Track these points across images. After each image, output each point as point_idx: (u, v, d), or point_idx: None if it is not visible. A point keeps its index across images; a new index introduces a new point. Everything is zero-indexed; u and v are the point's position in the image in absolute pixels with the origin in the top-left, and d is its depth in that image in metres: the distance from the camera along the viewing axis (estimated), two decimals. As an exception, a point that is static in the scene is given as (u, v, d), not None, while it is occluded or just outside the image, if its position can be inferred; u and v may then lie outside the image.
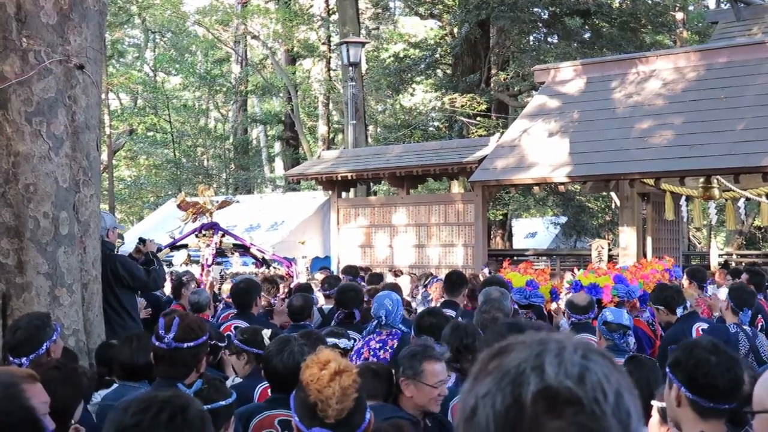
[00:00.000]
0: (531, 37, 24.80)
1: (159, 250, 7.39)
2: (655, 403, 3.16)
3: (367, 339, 5.58)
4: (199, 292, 7.70)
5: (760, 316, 7.27)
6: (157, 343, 3.76)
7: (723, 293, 8.12)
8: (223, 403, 3.43)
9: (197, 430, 2.21)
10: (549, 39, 24.77)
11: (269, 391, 4.51)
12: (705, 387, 2.89)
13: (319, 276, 11.10)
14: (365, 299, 7.20)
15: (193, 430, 2.19)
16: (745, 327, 6.02)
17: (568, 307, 6.65)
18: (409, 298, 9.57)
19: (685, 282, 8.99)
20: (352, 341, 5.49)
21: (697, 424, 2.90)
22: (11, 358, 4.20)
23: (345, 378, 2.56)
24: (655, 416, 3.12)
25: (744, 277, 8.60)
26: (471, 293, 7.77)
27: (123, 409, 2.24)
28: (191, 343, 3.75)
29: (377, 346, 5.48)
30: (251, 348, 4.79)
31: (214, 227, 12.07)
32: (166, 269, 9.32)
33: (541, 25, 23.82)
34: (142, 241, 7.05)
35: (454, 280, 7.51)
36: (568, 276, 10.44)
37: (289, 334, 5.25)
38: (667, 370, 3.03)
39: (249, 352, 4.81)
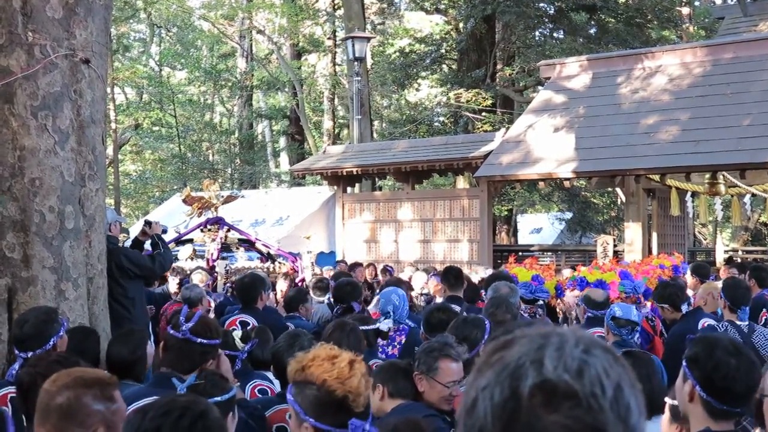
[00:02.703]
0: (537, 33, 24.78)
1: (164, 232, 7.39)
2: (668, 401, 3.14)
3: None
4: (191, 287, 7.71)
5: (765, 310, 7.23)
6: (171, 332, 3.77)
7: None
8: (219, 399, 3.44)
9: None
10: (555, 34, 24.76)
11: (256, 390, 4.52)
12: (721, 390, 2.85)
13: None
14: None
15: None
16: (738, 323, 5.90)
17: (585, 302, 6.67)
18: (417, 293, 9.56)
19: (689, 277, 8.97)
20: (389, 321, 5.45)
21: (707, 422, 2.87)
22: (18, 352, 4.20)
23: (360, 365, 2.56)
24: (666, 413, 3.10)
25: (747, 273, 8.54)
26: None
27: (142, 412, 2.25)
28: (204, 340, 3.76)
29: (384, 342, 5.47)
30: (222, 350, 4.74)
31: (219, 222, 12.07)
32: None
33: (546, 20, 23.78)
34: (147, 223, 7.07)
35: (455, 275, 7.53)
36: (566, 272, 10.46)
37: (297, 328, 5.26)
38: (684, 363, 2.97)
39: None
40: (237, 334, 4.82)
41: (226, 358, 4.64)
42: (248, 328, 5.71)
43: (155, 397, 3.35)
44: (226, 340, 4.75)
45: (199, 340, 3.74)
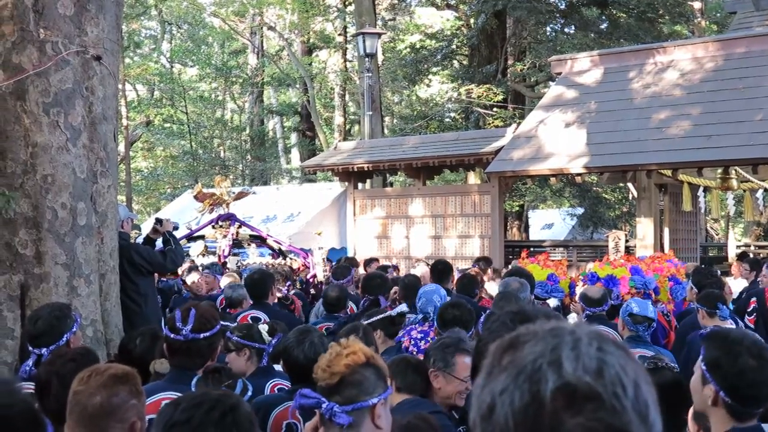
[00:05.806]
0: (548, 28, 24.71)
1: (175, 228, 7.41)
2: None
3: (408, 329, 5.56)
4: (234, 287, 7.64)
5: (754, 299, 7.30)
6: (172, 336, 3.75)
7: (739, 284, 8.07)
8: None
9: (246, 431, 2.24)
10: (566, 29, 24.66)
11: (276, 389, 4.51)
12: (747, 396, 2.79)
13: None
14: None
15: (241, 431, 2.22)
16: (727, 323, 5.77)
17: (582, 300, 6.64)
18: None
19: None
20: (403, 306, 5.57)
21: (730, 422, 2.83)
22: (31, 348, 4.22)
23: (348, 353, 2.60)
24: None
25: (763, 272, 8.53)
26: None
27: (174, 404, 2.28)
28: (207, 333, 3.76)
29: (418, 336, 5.46)
30: (252, 343, 4.68)
31: (230, 218, 12.10)
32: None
33: (557, 15, 23.70)
34: (159, 221, 7.09)
35: (441, 269, 7.56)
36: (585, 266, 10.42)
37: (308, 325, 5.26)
38: (704, 367, 2.86)
39: (251, 347, 4.68)
40: (263, 327, 4.81)
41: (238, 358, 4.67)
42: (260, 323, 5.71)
43: (172, 392, 3.38)
44: (252, 333, 4.75)
45: (202, 335, 3.74)
